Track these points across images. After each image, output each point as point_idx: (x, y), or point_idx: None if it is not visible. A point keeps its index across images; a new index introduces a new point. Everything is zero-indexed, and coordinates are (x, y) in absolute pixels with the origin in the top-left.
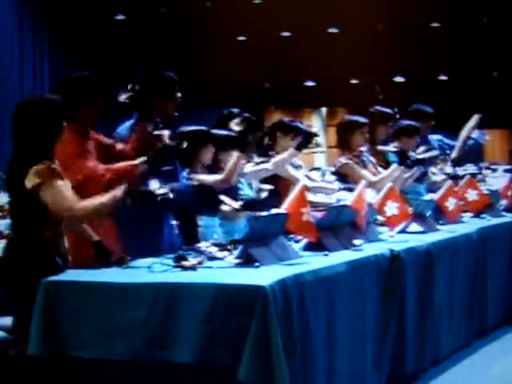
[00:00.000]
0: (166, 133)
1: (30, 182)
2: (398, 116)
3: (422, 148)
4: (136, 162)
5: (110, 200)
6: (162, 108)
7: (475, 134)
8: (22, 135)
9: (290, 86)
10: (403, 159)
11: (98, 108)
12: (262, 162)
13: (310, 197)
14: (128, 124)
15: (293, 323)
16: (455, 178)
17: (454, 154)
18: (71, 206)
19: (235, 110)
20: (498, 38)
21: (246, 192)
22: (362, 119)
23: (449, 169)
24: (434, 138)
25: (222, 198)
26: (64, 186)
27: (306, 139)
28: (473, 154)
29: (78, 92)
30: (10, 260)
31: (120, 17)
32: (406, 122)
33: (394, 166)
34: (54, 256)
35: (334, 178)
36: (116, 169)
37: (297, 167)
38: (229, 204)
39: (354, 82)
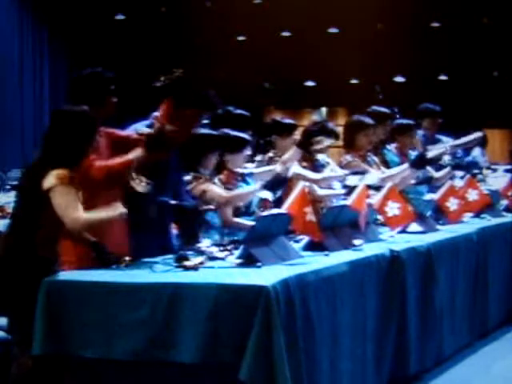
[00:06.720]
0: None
1: (48, 182)
2: (397, 116)
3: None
4: (131, 156)
5: (115, 215)
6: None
7: None
8: (53, 141)
9: (290, 85)
10: (419, 163)
11: (110, 105)
12: (262, 161)
13: (318, 190)
14: (144, 123)
15: (295, 323)
16: (458, 167)
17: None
18: (78, 217)
19: (231, 108)
20: (498, 38)
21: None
22: (367, 120)
23: (447, 157)
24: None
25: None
26: (76, 196)
27: (310, 138)
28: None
29: (89, 89)
30: (1, 259)
31: (120, 17)
32: (399, 121)
33: (406, 165)
34: (42, 255)
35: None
36: (110, 166)
37: (323, 165)
38: None
39: (353, 81)
